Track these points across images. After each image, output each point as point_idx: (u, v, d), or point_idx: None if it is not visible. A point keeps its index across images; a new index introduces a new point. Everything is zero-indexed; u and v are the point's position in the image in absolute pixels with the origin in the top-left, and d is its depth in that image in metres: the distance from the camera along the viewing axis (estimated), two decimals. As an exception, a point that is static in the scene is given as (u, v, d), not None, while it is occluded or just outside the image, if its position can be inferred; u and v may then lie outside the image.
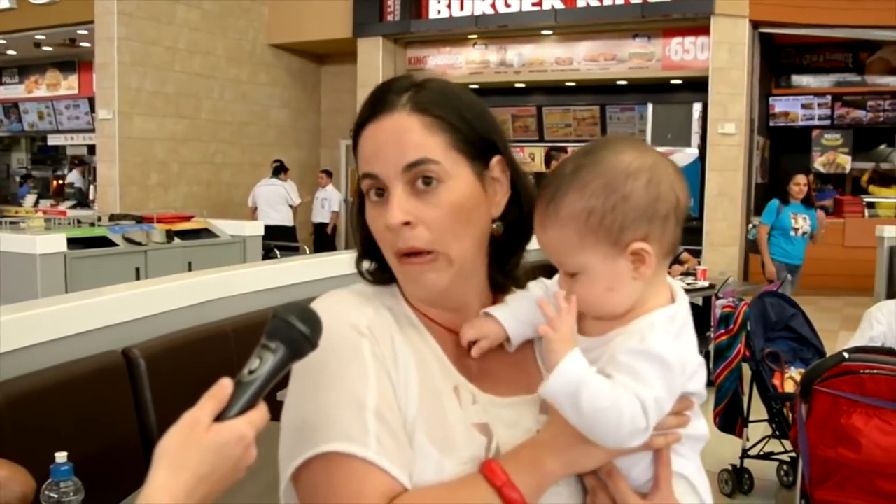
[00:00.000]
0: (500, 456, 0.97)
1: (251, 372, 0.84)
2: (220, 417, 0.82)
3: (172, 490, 0.78)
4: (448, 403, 0.99)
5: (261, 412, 0.85)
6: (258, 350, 0.86)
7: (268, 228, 8.91)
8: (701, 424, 1.04)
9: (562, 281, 1.02)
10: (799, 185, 7.22)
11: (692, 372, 0.99)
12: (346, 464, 0.92)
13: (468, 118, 1.04)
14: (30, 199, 13.86)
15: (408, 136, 1.00)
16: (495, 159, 1.06)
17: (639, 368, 0.93)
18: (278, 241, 9.26)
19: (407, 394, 0.98)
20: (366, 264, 1.09)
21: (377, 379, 0.96)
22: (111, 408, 2.53)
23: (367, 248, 1.08)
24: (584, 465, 0.97)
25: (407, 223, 0.98)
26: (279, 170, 10.97)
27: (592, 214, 0.96)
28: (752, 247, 7.59)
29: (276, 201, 10.65)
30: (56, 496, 1.61)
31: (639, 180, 0.97)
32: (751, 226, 7.74)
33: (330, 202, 11.60)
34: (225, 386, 0.84)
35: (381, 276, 1.08)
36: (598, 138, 1.06)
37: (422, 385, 0.99)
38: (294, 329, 0.86)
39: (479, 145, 1.04)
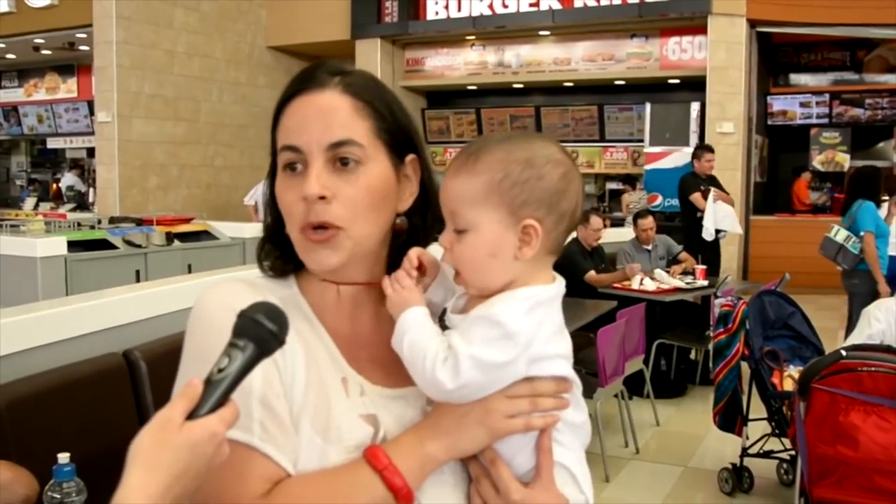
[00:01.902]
0: (385, 442, 0.99)
1: (220, 370, 0.85)
2: (191, 416, 0.83)
3: (147, 490, 0.79)
4: (334, 394, 1.01)
5: (231, 409, 0.85)
6: (227, 348, 0.86)
7: None
8: (581, 413, 1.07)
9: (445, 237, 1.04)
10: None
11: (544, 354, 1.00)
12: (231, 449, 0.91)
13: (393, 110, 1.07)
14: (30, 202, 13.86)
15: (336, 114, 1.02)
16: (410, 157, 1.09)
17: (469, 327, 0.98)
18: None
19: (293, 382, 0.99)
20: (266, 257, 1.11)
21: (263, 366, 0.95)
22: (112, 410, 2.53)
23: (275, 230, 1.09)
24: (465, 449, 0.99)
25: (322, 197, 0.99)
26: None
27: (506, 178, 1.00)
28: (850, 262, 6.00)
29: None
30: (59, 497, 1.61)
31: (557, 169, 1.02)
32: (838, 235, 6.07)
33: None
34: (195, 385, 0.84)
35: (283, 267, 1.10)
36: (529, 131, 1.09)
37: (308, 374, 1.00)
38: (262, 327, 0.87)
39: (399, 138, 1.07)
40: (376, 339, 1.08)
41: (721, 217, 7.25)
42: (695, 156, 7.57)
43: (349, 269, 1.05)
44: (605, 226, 7.11)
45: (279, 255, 1.10)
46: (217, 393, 0.84)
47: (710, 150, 7.60)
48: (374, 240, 1.05)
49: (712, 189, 7.30)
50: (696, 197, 7.27)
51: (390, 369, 1.04)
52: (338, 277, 1.07)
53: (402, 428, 1.01)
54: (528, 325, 0.98)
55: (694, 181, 7.40)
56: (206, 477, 0.89)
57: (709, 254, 7.12)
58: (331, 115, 1.02)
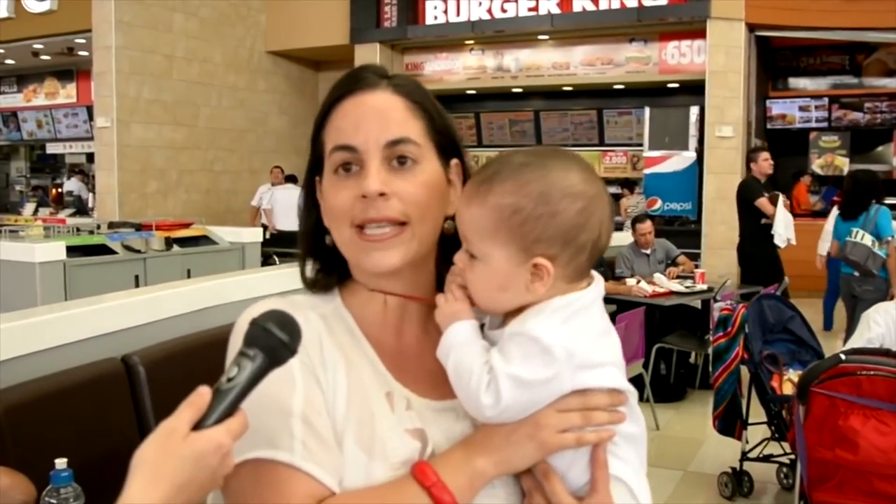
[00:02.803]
0: (432, 457, 0.97)
1: (229, 380, 0.83)
2: (198, 426, 0.81)
3: (149, 500, 0.78)
4: (378, 409, 0.99)
5: (239, 420, 0.84)
6: (236, 358, 0.85)
7: (285, 234, 8.93)
8: (638, 424, 1.04)
9: (460, 257, 1.01)
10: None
11: (590, 362, 0.96)
12: (272, 470, 0.92)
13: (440, 112, 1.06)
14: (29, 207, 13.86)
15: (392, 113, 1.01)
16: (454, 161, 1.08)
17: (507, 347, 0.95)
18: (293, 248, 9.27)
19: (335, 397, 0.97)
20: (308, 268, 1.09)
21: (304, 384, 0.96)
22: (111, 415, 2.53)
23: (312, 241, 1.07)
24: (515, 465, 0.97)
25: (383, 194, 0.98)
26: (294, 178, 10.99)
27: (517, 213, 0.96)
28: (879, 265, 5.87)
29: (294, 206, 10.61)
30: (56, 502, 1.61)
31: (574, 204, 0.96)
32: (865, 238, 5.90)
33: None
34: (203, 394, 0.83)
35: (325, 280, 1.08)
36: (558, 148, 1.07)
37: (350, 389, 0.98)
38: (273, 336, 0.85)
39: (447, 141, 1.06)
40: (423, 351, 1.05)
41: (788, 223, 6.87)
42: (750, 158, 7.20)
43: (402, 275, 1.03)
44: None
45: (321, 267, 1.08)
46: (225, 403, 0.83)
47: (766, 149, 7.16)
48: (432, 240, 1.04)
49: (781, 195, 6.93)
50: (762, 202, 6.86)
51: (438, 381, 1.01)
52: (388, 286, 1.05)
53: (450, 442, 0.99)
54: (566, 337, 0.94)
55: (757, 185, 7.00)
56: (250, 498, 0.89)
57: (771, 263, 6.82)
58: (387, 113, 1.01)
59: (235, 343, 0.99)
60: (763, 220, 6.89)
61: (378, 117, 1.00)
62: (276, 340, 0.85)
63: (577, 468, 0.98)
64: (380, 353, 1.04)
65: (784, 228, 6.78)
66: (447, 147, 1.06)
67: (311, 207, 1.07)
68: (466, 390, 0.96)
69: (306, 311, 1.02)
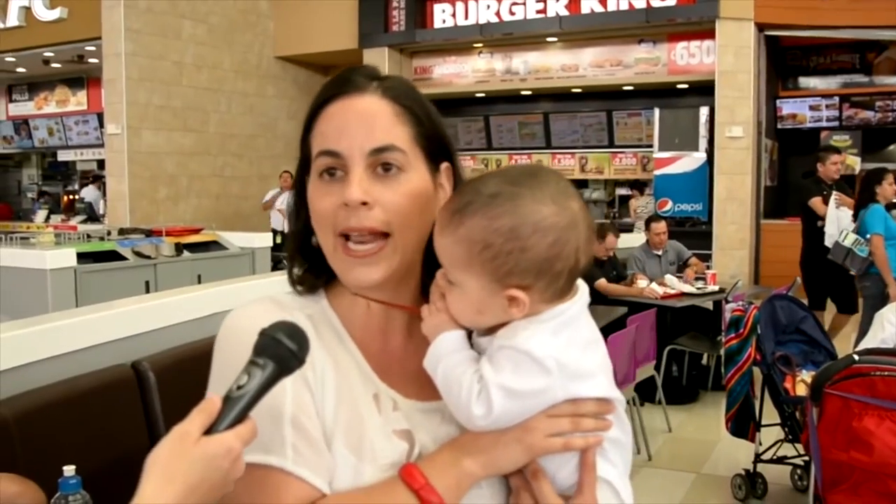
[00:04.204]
0: (420, 459, 0.98)
1: (240, 387, 0.85)
2: (209, 431, 0.84)
3: (162, 500, 0.80)
4: (366, 410, 1.00)
5: (249, 426, 0.85)
6: (247, 366, 0.87)
7: None
8: (625, 431, 1.05)
9: (440, 277, 1.01)
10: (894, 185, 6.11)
11: (580, 372, 0.97)
12: (265, 474, 0.93)
13: (431, 116, 1.05)
14: (41, 214, 13.93)
15: (378, 119, 1.00)
16: (444, 165, 1.06)
17: (498, 358, 0.95)
18: None
19: (324, 400, 0.98)
20: (296, 270, 1.09)
21: (294, 387, 0.96)
22: (121, 421, 2.53)
23: (302, 241, 1.07)
24: (503, 466, 0.97)
25: (365, 203, 0.97)
26: None
27: (487, 249, 0.94)
28: (858, 265, 5.94)
29: None
30: (64, 510, 1.61)
31: (545, 238, 0.95)
32: (847, 239, 5.96)
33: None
34: (214, 401, 0.85)
35: (313, 281, 1.08)
36: (534, 166, 1.05)
37: (338, 391, 0.99)
38: (282, 345, 0.87)
39: (436, 146, 1.05)
40: (408, 353, 1.05)
41: (846, 226, 6.21)
42: (818, 159, 6.77)
43: (385, 286, 1.02)
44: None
45: (308, 267, 1.08)
46: (235, 410, 0.85)
47: (836, 151, 6.76)
48: (416, 250, 1.03)
49: (834, 192, 6.47)
50: (815, 201, 6.52)
51: (423, 382, 1.01)
52: (371, 294, 1.04)
53: (437, 443, 0.99)
54: (556, 349, 0.95)
55: (815, 186, 6.62)
56: (243, 502, 0.90)
57: (839, 283, 6.33)
58: (372, 119, 1.00)
59: (224, 346, 1.01)
60: (819, 223, 6.55)
61: (363, 123, 0.99)
62: (285, 350, 0.87)
63: (566, 470, 1.00)
64: (366, 355, 1.05)
65: (837, 228, 6.27)
66: (437, 151, 1.05)
67: (300, 208, 1.06)
68: (457, 400, 0.96)
69: (294, 311, 1.02)
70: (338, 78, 1.04)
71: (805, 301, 4.44)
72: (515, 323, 0.97)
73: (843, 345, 5.52)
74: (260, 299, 1.05)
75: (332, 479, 0.96)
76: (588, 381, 0.98)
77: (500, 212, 0.95)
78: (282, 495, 0.92)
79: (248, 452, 0.92)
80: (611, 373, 1.04)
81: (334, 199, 0.99)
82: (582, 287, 1.02)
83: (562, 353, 0.95)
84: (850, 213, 6.34)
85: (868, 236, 5.79)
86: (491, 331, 0.99)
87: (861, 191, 6.15)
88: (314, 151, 1.02)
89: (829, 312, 6.78)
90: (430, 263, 1.04)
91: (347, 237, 0.99)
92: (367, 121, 0.99)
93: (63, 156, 15.52)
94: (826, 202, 6.51)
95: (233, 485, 0.86)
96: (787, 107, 12.03)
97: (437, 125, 1.05)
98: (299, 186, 1.06)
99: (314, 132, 1.03)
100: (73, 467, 1.66)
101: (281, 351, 0.87)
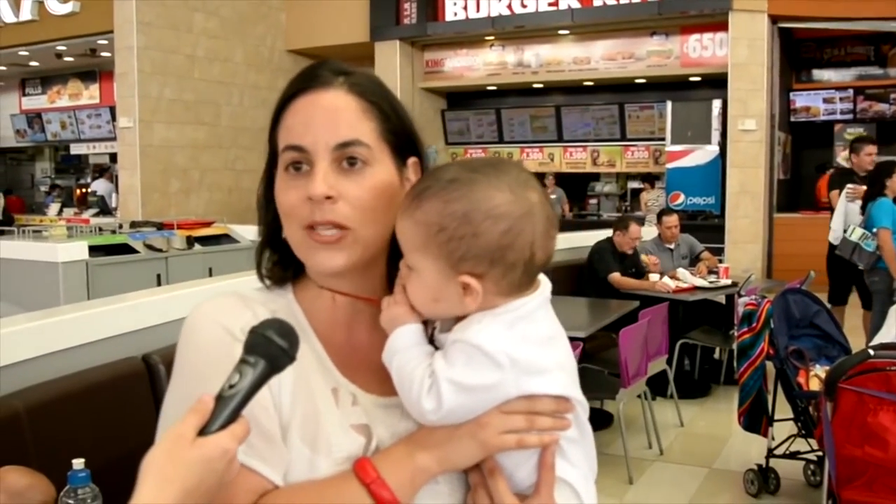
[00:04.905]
0: (374, 454, 0.98)
1: (231, 386, 0.85)
2: (202, 432, 0.83)
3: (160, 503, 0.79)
4: (323, 404, 1.00)
5: (242, 426, 0.85)
6: (238, 365, 0.86)
7: None
8: (584, 432, 1.04)
9: (403, 266, 1.01)
10: None
11: (535, 367, 0.96)
12: None
13: (398, 111, 1.05)
14: (54, 207, 14.00)
15: (343, 114, 1.00)
16: (412, 160, 1.06)
17: (450, 352, 0.95)
18: None
19: (280, 392, 0.98)
20: (265, 262, 1.09)
21: None
22: (131, 414, 2.53)
23: (271, 233, 1.07)
24: (457, 463, 0.97)
25: (329, 197, 0.98)
26: None
27: (441, 232, 0.95)
28: (866, 260, 5.76)
29: None
30: (74, 503, 1.61)
31: (497, 225, 0.95)
32: (854, 234, 5.77)
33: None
34: (206, 401, 0.85)
35: (282, 273, 1.08)
36: (495, 158, 1.04)
37: (296, 385, 0.99)
38: (273, 344, 0.87)
39: (403, 141, 1.05)
40: (373, 348, 1.05)
41: (856, 220, 5.95)
42: (852, 149, 6.53)
43: (349, 275, 1.03)
44: None
45: (277, 259, 1.08)
46: (228, 409, 0.84)
47: (871, 141, 6.46)
48: (379, 244, 1.03)
49: (848, 185, 6.18)
50: (834, 194, 6.27)
51: (385, 377, 1.01)
52: (337, 285, 1.05)
53: (395, 438, 0.99)
54: (509, 343, 0.94)
55: (840, 179, 6.34)
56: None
57: (845, 275, 6.15)
58: (337, 114, 1.00)
59: (189, 340, 1.00)
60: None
61: (328, 118, 0.99)
62: (276, 348, 0.87)
63: (524, 469, 0.99)
64: (328, 349, 1.05)
65: (843, 223, 6.06)
66: (404, 146, 1.05)
67: (270, 200, 1.06)
68: (409, 394, 0.96)
69: (256, 306, 1.02)
70: (305, 72, 1.05)
71: (819, 295, 4.39)
72: (471, 317, 0.97)
73: (857, 340, 5.48)
74: (225, 294, 1.05)
75: (287, 472, 0.96)
76: (543, 378, 0.97)
77: (456, 196, 0.96)
78: (232, 485, 0.91)
79: None
80: (574, 372, 1.03)
81: (300, 193, 0.99)
82: (544, 282, 1.02)
83: (515, 347, 0.95)
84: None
85: (875, 230, 5.72)
86: (452, 325, 1.00)
87: (871, 184, 6.03)
88: (280, 145, 1.03)
89: (842, 310, 6.71)
90: (395, 257, 1.04)
91: (313, 228, 1.00)
92: (333, 116, 1.00)
93: (76, 149, 15.60)
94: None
95: (227, 486, 0.86)
96: (800, 99, 11.96)
97: (405, 120, 1.06)
98: (268, 181, 1.07)
99: (281, 126, 1.04)
100: (82, 460, 1.66)
101: (272, 349, 0.87)
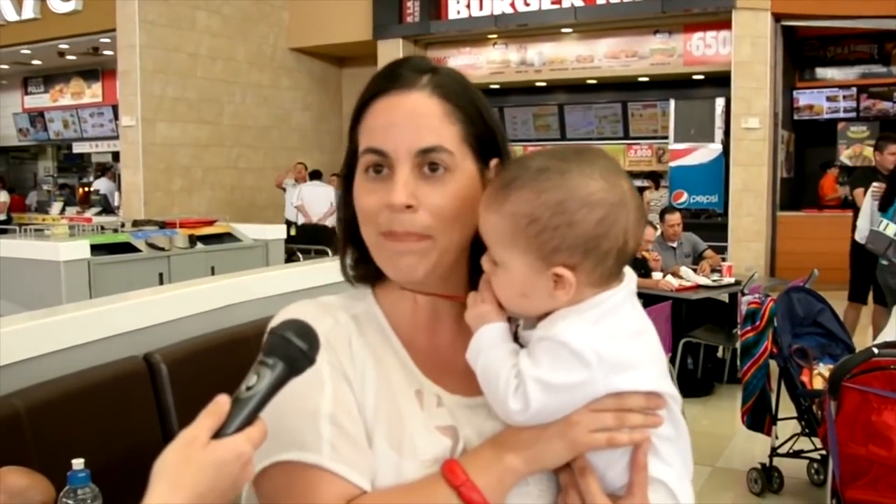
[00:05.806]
0: (462, 455, 0.96)
1: (249, 388, 0.83)
2: (218, 434, 0.82)
3: None
4: (406, 406, 0.98)
5: (259, 429, 0.84)
6: (255, 366, 0.85)
7: (315, 228, 9.16)
8: (679, 428, 1.01)
9: (486, 260, 0.98)
10: None
11: (624, 363, 0.94)
12: (301, 471, 0.92)
13: (482, 113, 1.02)
14: (56, 206, 14.00)
15: (427, 119, 0.97)
16: (494, 161, 1.04)
17: (536, 351, 0.93)
18: (320, 244, 9.48)
19: (364, 396, 0.97)
20: (349, 259, 1.08)
21: (333, 385, 0.96)
22: (133, 414, 2.52)
23: (350, 230, 1.05)
24: (546, 463, 0.95)
25: (409, 206, 0.95)
26: (319, 173, 11.09)
27: (534, 223, 0.93)
28: (893, 255, 5.52)
29: (322, 202, 10.71)
30: (73, 503, 1.60)
31: (593, 213, 0.93)
32: (889, 229, 5.52)
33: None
34: (222, 403, 0.83)
35: (365, 270, 1.07)
36: (580, 147, 1.02)
37: (378, 387, 0.98)
38: (291, 345, 0.85)
39: (486, 143, 1.02)
40: (456, 348, 1.03)
41: (874, 215, 5.81)
42: (876, 147, 6.39)
43: (430, 278, 1.00)
44: None
45: (359, 256, 1.06)
46: (245, 411, 0.83)
47: (895, 140, 6.33)
48: (459, 249, 1.01)
49: (874, 183, 5.99)
50: (858, 192, 6.16)
51: (470, 377, 0.99)
52: (418, 287, 1.03)
53: (482, 438, 0.97)
54: (596, 340, 0.92)
55: (863, 176, 6.22)
56: (282, 500, 0.90)
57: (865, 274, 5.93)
58: (420, 119, 0.97)
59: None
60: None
61: (411, 122, 0.97)
62: (295, 349, 0.85)
63: (616, 468, 0.96)
64: (411, 351, 1.03)
65: (869, 222, 5.89)
66: (486, 148, 1.02)
67: (348, 196, 1.04)
68: (495, 394, 0.94)
69: (337, 312, 1.02)
70: (387, 71, 1.02)
71: (824, 293, 4.37)
72: (556, 313, 0.94)
73: (864, 339, 5.47)
74: (302, 302, 1.03)
75: (375, 476, 0.94)
76: (632, 374, 0.94)
77: (548, 185, 0.93)
78: (318, 492, 0.91)
79: (285, 450, 0.92)
80: (664, 365, 1.00)
81: (379, 198, 0.97)
82: (629, 275, 1.00)
83: (602, 344, 0.92)
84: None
85: None
86: (537, 324, 0.97)
87: (891, 182, 5.95)
88: (361, 146, 1.00)
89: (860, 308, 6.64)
90: (477, 260, 1.02)
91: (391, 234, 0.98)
92: (415, 120, 0.97)
93: (78, 148, 15.61)
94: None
95: (242, 489, 0.86)
96: (803, 98, 11.93)
97: (489, 122, 1.03)
98: (348, 178, 1.04)
99: (362, 126, 1.00)
100: (81, 460, 1.65)
101: (291, 350, 0.85)
